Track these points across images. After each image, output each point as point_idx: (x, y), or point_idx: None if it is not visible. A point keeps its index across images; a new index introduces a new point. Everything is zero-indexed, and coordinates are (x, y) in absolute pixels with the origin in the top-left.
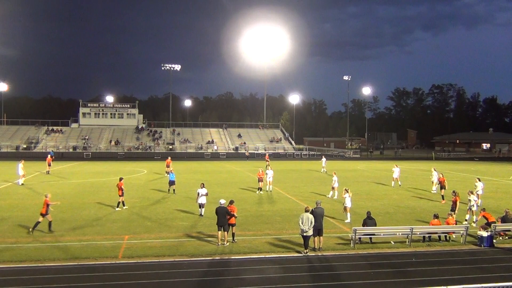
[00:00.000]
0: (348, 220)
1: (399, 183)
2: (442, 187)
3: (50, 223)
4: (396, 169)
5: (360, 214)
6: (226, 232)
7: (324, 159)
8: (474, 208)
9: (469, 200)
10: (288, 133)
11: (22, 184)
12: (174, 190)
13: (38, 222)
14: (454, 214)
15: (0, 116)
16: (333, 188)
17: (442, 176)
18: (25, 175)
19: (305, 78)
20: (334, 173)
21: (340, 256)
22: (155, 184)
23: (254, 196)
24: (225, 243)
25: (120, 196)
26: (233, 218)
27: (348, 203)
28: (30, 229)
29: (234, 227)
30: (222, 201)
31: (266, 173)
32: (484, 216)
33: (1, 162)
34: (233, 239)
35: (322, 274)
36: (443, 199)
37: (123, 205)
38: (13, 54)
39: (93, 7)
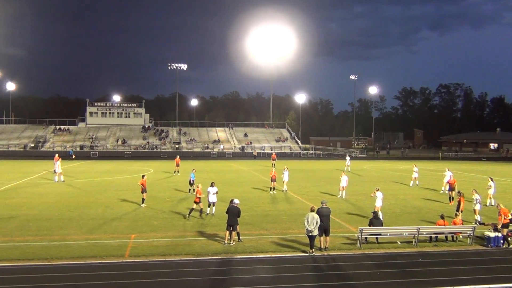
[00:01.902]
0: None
1: (413, 183)
2: (451, 188)
3: (201, 210)
4: (416, 169)
5: (366, 214)
6: (234, 232)
7: (348, 157)
8: (477, 207)
9: (473, 199)
10: (295, 133)
11: (62, 181)
12: (190, 190)
13: (193, 209)
14: (459, 214)
15: (8, 115)
16: (342, 187)
17: (452, 178)
18: (62, 172)
19: (311, 78)
20: (343, 172)
21: (346, 256)
22: (162, 183)
23: (260, 195)
24: (231, 242)
25: (142, 193)
26: None
27: (378, 203)
28: (187, 215)
29: (238, 226)
30: (236, 201)
31: (283, 173)
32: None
33: (9, 161)
34: (238, 238)
35: (328, 274)
36: (450, 200)
37: (142, 202)
38: (21, 54)
39: (100, 7)
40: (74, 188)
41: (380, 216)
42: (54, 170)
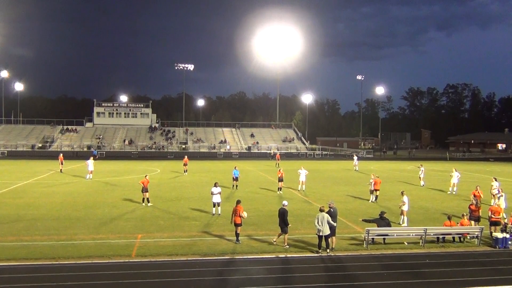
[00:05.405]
0: (405, 224)
1: (423, 183)
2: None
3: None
4: (422, 169)
5: (373, 214)
6: (284, 234)
7: (355, 157)
8: (502, 206)
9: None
10: (301, 133)
11: (90, 178)
12: (236, 186)
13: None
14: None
15: (16, 115)
16: (371, 191)
17: (478, 190)
18: (93, 171)
19: (318, 78)
20: (373, 174)
21: (353, 257)
22: (169, 183)
23: (266, 195)
24: (285, 245)
25: (142, 192)
26: (239, 217)
27: (405, 207)
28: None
29: (239, 227)
30: (285, 203)
31: (299, 173)
32: None
33: (17, 161)
34: (236, 239)
35: (335, 275)
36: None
37: (148, 201)
38: (29, 54)
39: (108, 8)
40: (81, 188)
41: (406, 221)
42: (61, 170)
